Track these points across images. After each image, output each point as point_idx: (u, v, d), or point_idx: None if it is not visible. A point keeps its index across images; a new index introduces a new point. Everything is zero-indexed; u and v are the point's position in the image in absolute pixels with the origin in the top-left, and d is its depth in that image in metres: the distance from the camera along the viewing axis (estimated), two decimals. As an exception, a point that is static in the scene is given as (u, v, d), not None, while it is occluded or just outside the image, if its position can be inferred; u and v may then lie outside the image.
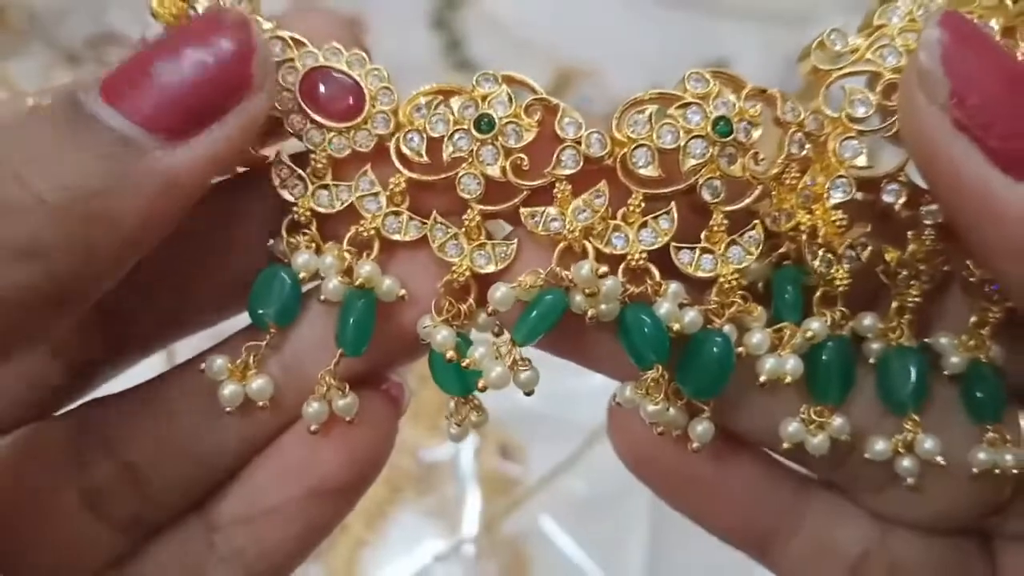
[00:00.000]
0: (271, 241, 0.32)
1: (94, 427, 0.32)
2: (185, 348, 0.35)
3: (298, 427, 0.32)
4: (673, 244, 0.30)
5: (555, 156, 0.30)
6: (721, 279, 0.30)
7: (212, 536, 0.32)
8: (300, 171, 0.31)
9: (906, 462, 0.32)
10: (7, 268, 0.24)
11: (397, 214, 0.31)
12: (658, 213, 0.30)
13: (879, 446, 0.32)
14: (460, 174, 0.30)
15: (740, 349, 0.31)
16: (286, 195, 0.31)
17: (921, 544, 0.33)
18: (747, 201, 0.30)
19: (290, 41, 0.31)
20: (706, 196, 0.30)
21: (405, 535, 0.70)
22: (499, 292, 0.30)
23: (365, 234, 0.31)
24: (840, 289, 0.31)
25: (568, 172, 0.30)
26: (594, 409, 0.37)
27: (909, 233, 0.32)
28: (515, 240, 0.31)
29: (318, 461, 0.31)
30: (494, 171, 0.30)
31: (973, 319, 0.32)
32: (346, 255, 0.31)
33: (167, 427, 0.32)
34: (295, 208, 0.31)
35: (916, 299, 0.32)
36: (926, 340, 0.33)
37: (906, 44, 0.30)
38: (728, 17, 1.00)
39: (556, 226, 0.30)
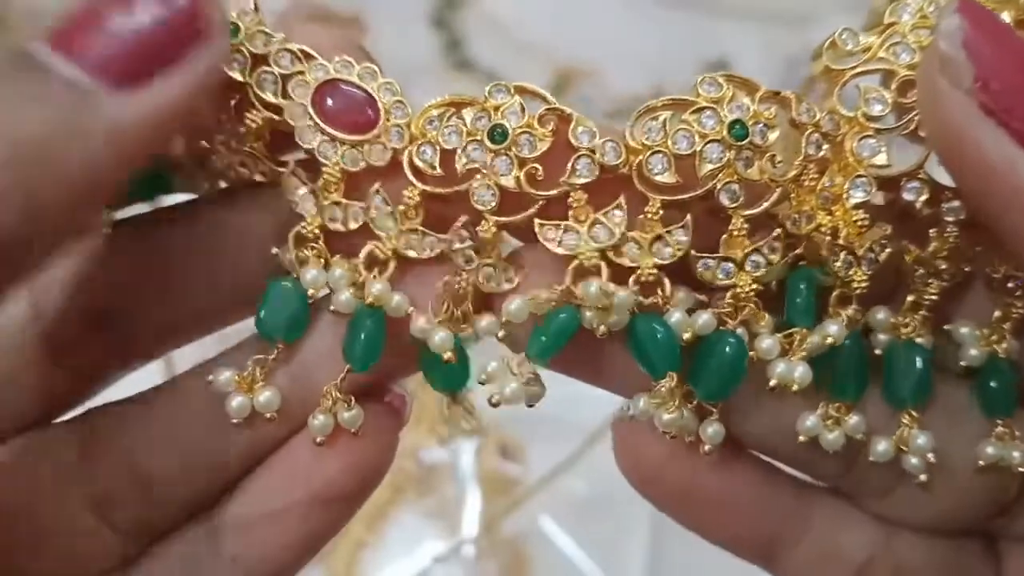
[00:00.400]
0: (276, 250, 0.32)
1: (102, 433, 0.32)
2: (184, 354, 0.35)
3: (303, 435, 0.32)
4: (693, 253, 0.30)
5: (570, 165, 0.30)
6: (738, 288, 0.30)
7: (216, 540, 0.32)
8: (312, 185, 0.31)
9: (914, 459, 0.31)
10: None
11: (414, 231, 0.31)
12: (672, 228, 0.30)
13: (881, 447, 0.31)
14: (474, 185, 0.30)
15: (751, 353, 0.30)
16: (299, 210, 0.31)
17: (926, 547, 0.33)
18: (766, 205, 0.30)
19: (299, 54, 0.31)
20: (724, 201, 0.30)
21: (405, 536, 0.69)
22: (514, 305, 0.30)
23: (381, 256, 0.31)
24: (857, 291, 0.31)
25: (583, 181, 0.30)
26: (594, 409, 0.37)
27: (931, 231, 0.31)
28: (516, 273, 0.31)
29: (322, 469, 0.31)
30: (508, 181, 0.30)
31: (997, 314, 0.32)
32: (358, 269, 0.31)
33: (175, 435, 0.32)
34: (304, 224, 0.31)
35: (933, 296, 0.32)
36: (946, 327, 0.32)
37: (919, 41, 0.30)
38: (728, 17, 1.00)
39: (571, 242, 0.30)
